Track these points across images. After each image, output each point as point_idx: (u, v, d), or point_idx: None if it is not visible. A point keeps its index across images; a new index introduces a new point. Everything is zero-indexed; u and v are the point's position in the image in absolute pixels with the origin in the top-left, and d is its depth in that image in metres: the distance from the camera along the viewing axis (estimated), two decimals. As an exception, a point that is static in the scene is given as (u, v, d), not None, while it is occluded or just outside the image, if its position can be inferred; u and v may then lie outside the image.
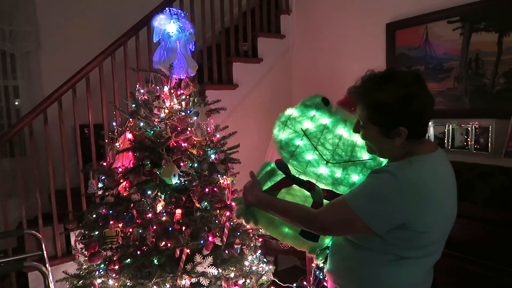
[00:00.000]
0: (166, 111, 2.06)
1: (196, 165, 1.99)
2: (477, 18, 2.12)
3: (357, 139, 1.32)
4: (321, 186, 1.35)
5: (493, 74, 2.08)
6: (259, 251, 2.22)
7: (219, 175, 2.09)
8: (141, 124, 2.03)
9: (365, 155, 1.31)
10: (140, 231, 1.85)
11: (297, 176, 1.36)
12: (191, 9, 2.88)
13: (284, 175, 1.36)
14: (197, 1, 2.93)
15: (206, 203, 1.96)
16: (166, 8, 2.12)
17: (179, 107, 2.12)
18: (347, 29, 2.90)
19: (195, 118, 2.10)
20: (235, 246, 2.04)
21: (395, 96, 1.05)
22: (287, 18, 3.40)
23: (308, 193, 1.33)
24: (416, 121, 1.07)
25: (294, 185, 1.35)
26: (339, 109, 1.39)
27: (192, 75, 2.19)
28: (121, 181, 1.95)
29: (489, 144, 1.98)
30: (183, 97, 2.14)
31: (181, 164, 1.96)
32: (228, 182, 2.15)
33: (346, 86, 3.15)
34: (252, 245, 2.15)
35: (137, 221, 1.89)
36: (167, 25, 2.09)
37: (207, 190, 2.00)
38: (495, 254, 1.68)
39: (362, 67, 2.88)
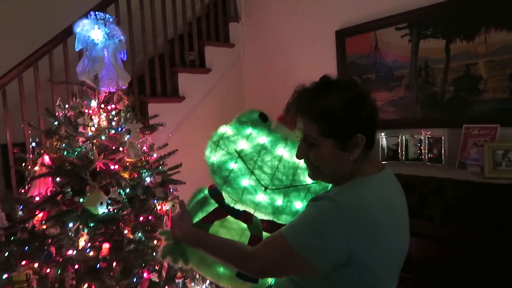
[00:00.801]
0: (93, 128, 1.80)
1: (128, 190, 1.75)
2: (424, 24, 2.05)
3: (300, 160, 1.16)
4: (261, 216, 1.16)
5: (442, 82, 2.01)
6: (208, 281, 1.99)
7: (155, 201, 1.85)
8: (63, 145, 1.76)
9: (308, 179, 1.15)
10: (60, 271, 1.58)
11: (232, 205, 1.17)
12: (128, 17, 2.64)
13: (217, 205, 1.16)
14: (136, 9, 2.69)
15: (140, 234, 1.71)
16: (91, 12, 1.88)
17: (111, 123, 1.87)
18: (298, 37, 2.78)
19: (128, 136, 1.86)
20: (177, 281, 1.80)
21: (343, 99, 0.93)
22: (236, 26, 3.24)
23: (245, 225, 1.14)
24: (371, 124, 0.96)
25: (229, 216, 1.15)
26: (279, 126, 1.23)
27: (123, 87, 1.95)
28: (37, 212, 1.67)
29: (443, 155, 1.89)
30: (114, 112, 1.89)
31: (110, 189, 1.71)
32: (168, 207, 1.92)
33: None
34: (197, 276, 1.92)
35: (57, 259, 1.61)
36: (92, 31, 1.85)
37: (141, 218, 1.76)
38: (454, 274, 1.57)
39: (315, 76, 2.75)
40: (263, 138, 1.17)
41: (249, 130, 1.19)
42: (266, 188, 1.11)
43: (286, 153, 1.16)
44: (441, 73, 2.02)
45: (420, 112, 2.13)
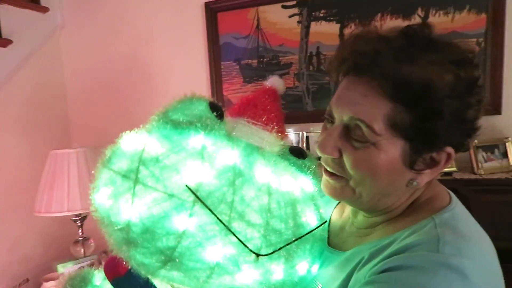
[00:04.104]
0: None
1: None
2: (316, 4, 1.81)
3: (293, 185, 0.64)
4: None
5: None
6: None
7: None
8: None
9: (310, 214, 0.65)
10: None
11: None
12: None
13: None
14: None
15: None
16: None
17: None
18: (152, 6, 2.09)
19: None
20: None
21: (455, 76, 0.52)
22: (50, -17, 2.25)
23: None
24: (472, 133, 0.57)
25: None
26: (240, 127, 0.66)
27: None
28: None
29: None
30: None
31: None
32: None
33: (156, 85, 2.29)
34: None
35: None
36: None
37: None
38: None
39: (177, 59, 2.10)
40: (228, 153, 0.59)
41: (198, 139, 0.58)
42: (258, 255, 0.55)
43: (272, 176, 0.61)
44: (334, 61, 1.82)
45: (312, 104, 1.89)
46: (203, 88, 2.04)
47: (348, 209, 0.72)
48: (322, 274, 0.63)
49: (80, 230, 1.75)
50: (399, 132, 0.53)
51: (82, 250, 1.74)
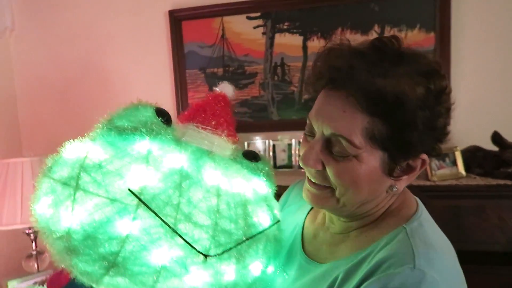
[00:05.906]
0: None
1: None
2: (280, 17, 1.85)
3: (245, 187, 0.65)
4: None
5: (300, 82, 1.87)
6: None
7: None
8: None
9: (262, 214, 0.66)
10: None
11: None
12: None
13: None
14: None
15: None
16: None
17: None
18: (112, 11, 2.06)
19: None
20: None
21: (425, 88, 0.54)
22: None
23: None
24: (442, 139, 0.60)
25: None
26: (190, 132, 0.66)
27: None
28: None
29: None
30: None
31: None
32: None
33: (116, 92, 2.24)
34: None
35: None
36: None
37: None
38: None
39: (139, 66, 2.07)
40: (175, 156, 0.59)
41: (143, 144, 0.58)
42: (206, 256, 0.55)
43: (222, 178, 0.62)
44: (298, 72, 1.87)
45: (277, 113, 1.92)
46: (168, 96, 2.02)
47: (321, 215, 0.72)
48: (298, 286, 0.63)
49: (33, 244, 1.67)
50: (377, 144, 0.54)
51: (36, 265, 1.65)
